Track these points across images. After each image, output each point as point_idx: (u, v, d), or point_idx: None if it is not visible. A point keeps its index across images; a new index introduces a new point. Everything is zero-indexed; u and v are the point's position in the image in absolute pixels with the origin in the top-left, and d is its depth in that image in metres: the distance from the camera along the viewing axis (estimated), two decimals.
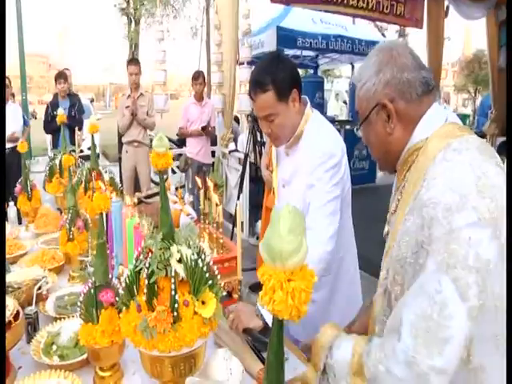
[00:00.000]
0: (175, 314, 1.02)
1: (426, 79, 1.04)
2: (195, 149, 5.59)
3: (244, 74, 5.12)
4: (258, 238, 5.03)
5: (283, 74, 1.56)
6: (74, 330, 1.41)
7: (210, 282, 1.08)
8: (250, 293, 1.55)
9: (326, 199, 1.60)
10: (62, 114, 2.86)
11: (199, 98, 5.60)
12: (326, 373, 1.05)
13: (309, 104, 1.70)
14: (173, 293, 1.00)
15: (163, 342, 1.03)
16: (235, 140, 6.30)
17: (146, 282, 1.00)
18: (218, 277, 1.13)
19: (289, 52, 6.88)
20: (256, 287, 1.61)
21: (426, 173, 0.97)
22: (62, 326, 1.49)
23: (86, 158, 3.51)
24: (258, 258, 4.13)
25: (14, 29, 7.68)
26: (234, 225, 4.73)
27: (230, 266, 1.81)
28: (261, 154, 4.76)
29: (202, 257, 1.07)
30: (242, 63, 5.25)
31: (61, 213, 2.75)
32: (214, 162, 5.99)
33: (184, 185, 5.94)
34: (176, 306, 1.01)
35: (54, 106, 5.47)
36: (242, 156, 5.37)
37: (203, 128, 5.44)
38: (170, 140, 7.70)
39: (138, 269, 1.04)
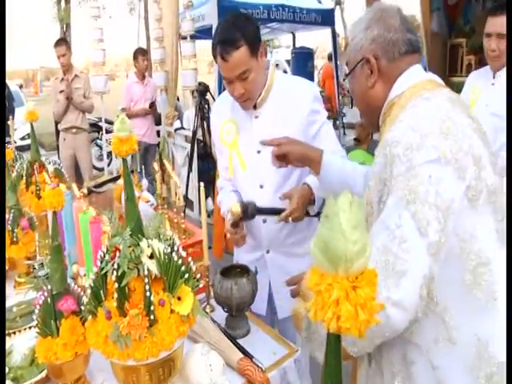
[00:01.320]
0: (151, 316, 0.90)
1: (411, 41, 1.08)
2: (141, 130, 5.31)
3: (187, 48, 4.85)
4: (209, 216, 4.91)
5: (252, 28, 1.56)
6: (28, 345, 1.27)
7: (187, 275, 0.97)
8: (222, 279, 1.44)
9: (333, 129, 1.74)
10: None
11: (142, 76, 5.33)
12: None
13: (271, 62, 1.77)
14: (147, 293, 0.87)
15: (139, 350, 0.92)
16: (180, 118, 6.06)
17: (116, 285, 0.86)
18: (194, 268, 1.02)
19: None
20: (228, 271, 1.51)
21: (396, 120, 1.00)
22: (13, 344, 1.33)
23: (20, 148, 3.18)
24: (213, 237, 4.03)
25: None
26: (185, 205, 4.57)
27: (194, 252, 1.70)
28: (209, 130, 4.59)
29: (175, 249, 0.95)
30: (185, 37, 4.98)
31: None
32: (159, 142, 5.74)
33: (133, 169, 5.67)
34: (152, 307, 0.89)
35: None
36: (188, 133, 5.16)
37: (151, 105, 5.19)
38: (110, 123, 7.32)
39: (104, 271, 0.89)
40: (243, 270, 1.51)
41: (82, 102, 4.83)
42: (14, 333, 1.38)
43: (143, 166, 5.02)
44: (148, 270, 0.89)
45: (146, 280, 0.87)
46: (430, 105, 0.97)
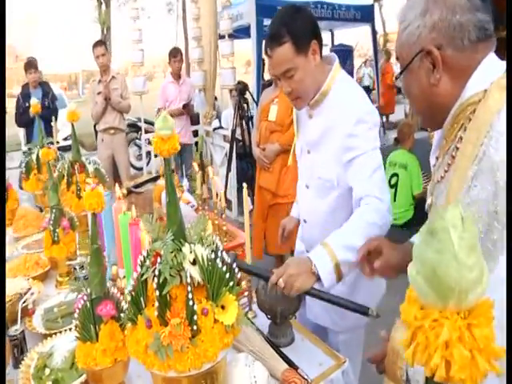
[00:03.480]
0: (194, 326, 0.84)
1: (482, 23, 0.87)
2: (176, 130, 5.32)
3: (226, 47, 4.81)
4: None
5: (300, 23, 1.43)
6: (69, 348, 1.23)
7: (231, 283, 0.90)
8: (267, 284, 1.36)
9: (377, 163, 1.44)
10: (35, 103, 2.57)
11: (177, 76, 5.34)
12: (409, 381, 0.90)
13: (337, 61, 1.55)
14: (190, 302, 0.81)
15: (181, 361, 0.86)
16: (218, 117, 6.05)
17: (157, 293, 0.81)
18: (239, 275, 0.95)
19: (268, 22, 6.58)
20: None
21: (490, 130, 0.81)
22: (54, 345, 1.30)
23: (63, 149, 3.22)
24: (253, 237, 3.95)
25: None
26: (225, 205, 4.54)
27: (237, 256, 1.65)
28: (249, 130, 4.52)
29: (220, 254, 0.89)
30: (223, 36, 4.95)
31: (41, 211, 2.52)
32: (197, 142, 5.74)
33: (173, 169, 5.70)
34: (195, 317, 0.83)
35: (25, 96, 5.10)
36: (226, 133, 5.12)
37: (184, 106, 5.19)
38: (149, 123, 7.42)
39: (144, 277, 0.84)
40: None
41: (120, 103, 4.89)
42: (56, 333, 1.36)
43: (182, 166, 5.00)
44: (191, 277, 0.83)
45: (189, 288, 0.81)
46: None
